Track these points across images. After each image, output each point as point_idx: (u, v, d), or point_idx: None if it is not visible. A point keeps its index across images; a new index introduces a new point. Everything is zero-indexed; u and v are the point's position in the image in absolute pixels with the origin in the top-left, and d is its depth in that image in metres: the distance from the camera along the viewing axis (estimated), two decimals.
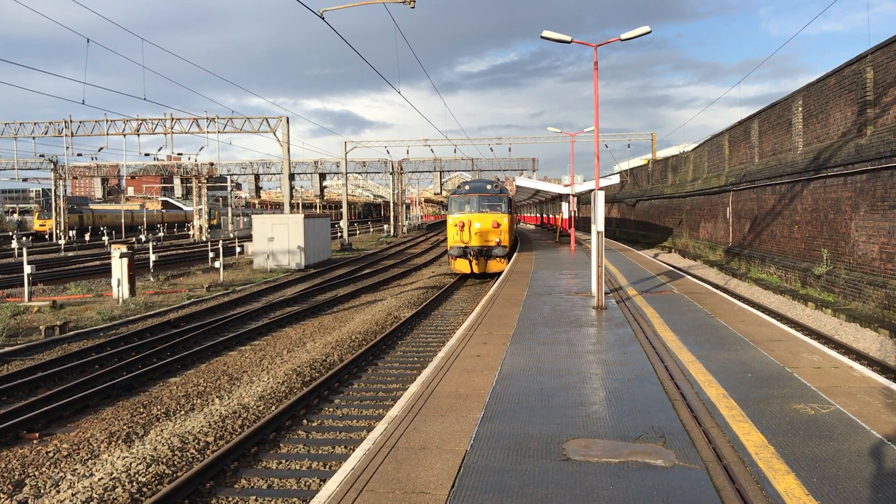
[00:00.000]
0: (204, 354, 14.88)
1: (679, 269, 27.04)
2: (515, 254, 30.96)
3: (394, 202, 78.13)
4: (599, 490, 5.33)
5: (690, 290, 17.42)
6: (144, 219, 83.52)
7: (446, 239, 29.65)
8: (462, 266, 27.22)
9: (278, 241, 34.31)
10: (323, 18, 16.85)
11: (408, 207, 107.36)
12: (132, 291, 23.43)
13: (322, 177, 78.31)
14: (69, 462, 8.78)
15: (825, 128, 20.62)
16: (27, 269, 22.30)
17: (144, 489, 7.68)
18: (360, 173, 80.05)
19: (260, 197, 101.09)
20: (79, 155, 54.32)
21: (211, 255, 32.63)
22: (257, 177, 78.61)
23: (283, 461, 8.60)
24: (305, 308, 20.93)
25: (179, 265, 37.07)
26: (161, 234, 75.24)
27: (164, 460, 8.43)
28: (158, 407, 11.12)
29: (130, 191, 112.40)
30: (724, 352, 10.13)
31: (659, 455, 6.03)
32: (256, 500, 7.52)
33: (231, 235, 63.03)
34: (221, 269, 29.51)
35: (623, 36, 17.81)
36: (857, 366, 9.24)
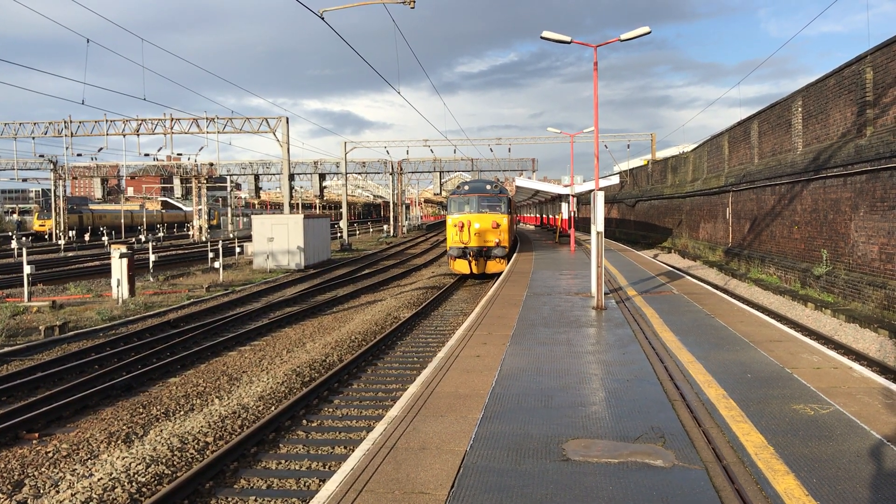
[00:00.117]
0: (203, 355, 14.87)
1: (679, 269, 27.05)
2: (515, 254, 30.96)
3: (393, 202, 78.14)
4: (599, 490, 5.33)
5: (690, 291, 17.43)
6: (144, 219, 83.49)
7: (446, 239, 29.63)
8: (461, 266, 27.18)
9: (278, 241, 34.31)
10: (323, 19, 16.86)
11: (407, 208, 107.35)
12: (132, 292, 23.43)
13: (322, 177, 78.32)
14: (69, 462, 8.78)
15: (825, 128, 20.63)
16: (27, 269, 22.29)
17: (144, 489, 7.68)
18: (359, 174, 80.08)
19: (260, 197, 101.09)
20: (78, 155, 54.32)
21: (210, 255, 32.62)
22: (257, 177, 78.63)
23: (283, 461, 8.59)
24: (305, 308, 20.93)
25: (179, 265, 37.07)
26: (161, 235, 75.23)
27: (164, 460, 8.43)
28: (158, 407, 11.12)
29: (130, 191, 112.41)
30: (724, 352, 10.13)
31: (658, 455, 6.03)
32: (256, 500, 7.52)
33: (231, 236, 63.03)
34: (221, 269, 29.50)
35: (623, 36, 17.81)
36: (856, 366, 9.24)
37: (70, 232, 65.51)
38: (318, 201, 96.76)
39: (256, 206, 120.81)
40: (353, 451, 8.11)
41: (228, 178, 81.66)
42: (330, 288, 26.92)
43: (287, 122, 41.32)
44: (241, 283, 28.32)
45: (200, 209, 67.55)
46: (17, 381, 12.22)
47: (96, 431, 9.90)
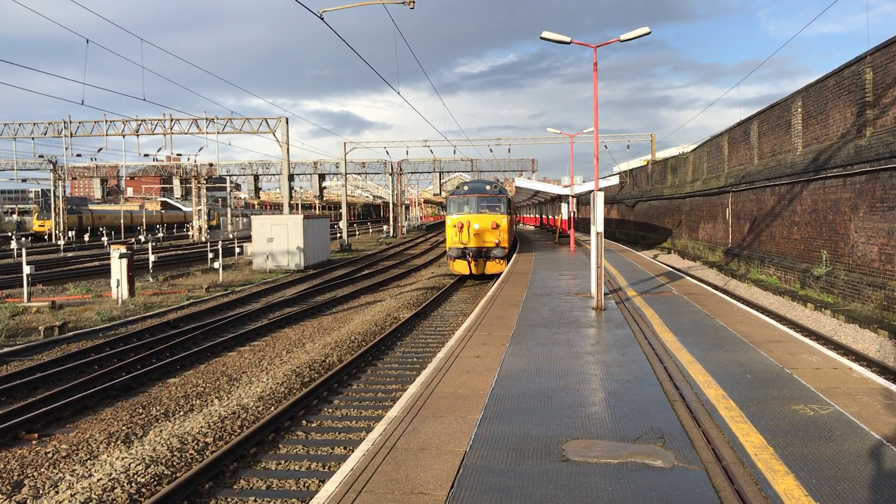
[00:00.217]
0: (203, 355, 14.87)
1: (678, 269, 27.05)
2: (515, 255, 30.95)
3: (393, 203, 78.15)
4: (598, 491, 5.33)
5: (690, 291, 17.43)
6: (144, 219, 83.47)
7: (445, 240, 29.62)
8: (461, 267, 27.13)
9: (277, 241, 34.31)
10: (322, 19, 16.86)
11: (407, 208, 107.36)
12: (131, 292, 23.42)
13: (321, 177, 78.36)
14: (68, 463, 8.78)
15: (824, 129, 20.64)
16: (26, 269, 22.29)
17: (143, 490, 7.68)
18: (359, 174, 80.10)
19: (259, 198, 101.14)
20: (78, 155, 54.30)
21: (210, 255, 32.62)
22: (256, 177, 78.67)
23: (283, 462, 8.59)
24: (305, 309, 20.93)
25: (179, 266, 37.06)
26: (160, 235, 75.23)
27: (163, 461, 8.43)
28: (157, 407, 11.12)
29: (130, 191, 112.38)
30: (724, 353, 10.13)
31: (658, 456, 6.03)
32: (255, 500, 7.52)
33: (230, 236, 63.02)
34: (221, 269, 29.50)
35: (622, 37, 17.82)
36: (856, 367, 9.24)
37: (69, 232, 65.50)
38: (317, 202, 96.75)
39: (256, 206, 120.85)
40: (352, 451, 8.11)
41: (228, 178, 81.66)
42: (330, 288, 26.92)
43: (287, 123, 41.32)
44: (240, 284, 28.32)
45: (200, 209, 67.55)
46: (17, 382, 12.21)
47: (96, 432, 9.89)
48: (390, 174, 76.51)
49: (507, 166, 72.61)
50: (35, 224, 72.63)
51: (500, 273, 24.70)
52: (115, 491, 7.52)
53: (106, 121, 43.40)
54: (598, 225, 14.84)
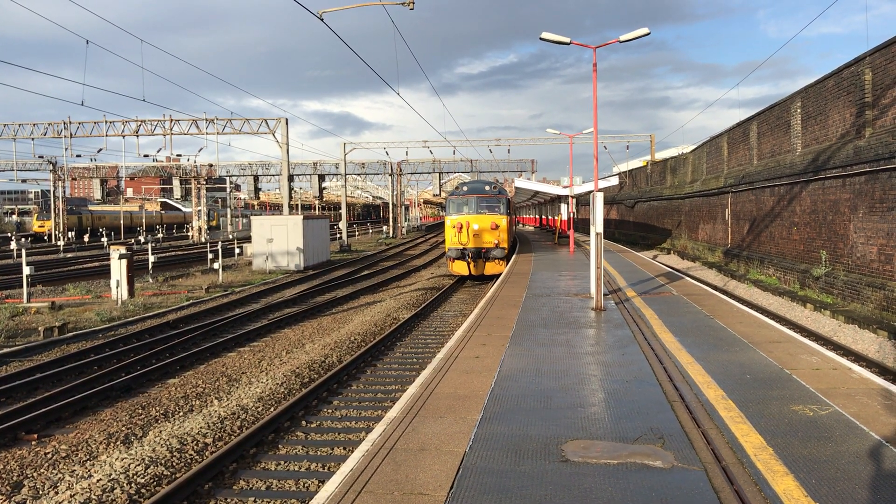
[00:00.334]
0: (203, 356, 14.87)
1: (678, 270, 27.06)
2: (514, 255, 30.94)
3: (393, 203, 78.17)
4: (598, 491, 5.33)
5: (689, 292, 17.43)
6: (143, 220, 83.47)
7: (444, 240, 29.61)
8: (460, 268, 27.08)
9: (277, 242, 34.32)
10: (322, 20, 16.87)
11: (407, 209, 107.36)
12: (131, 293, 23.43)
13: (321, 178, 78.37)
14: (68, 463, 8.78)
15: (824, 129, 20.65)
16: (26, 270, 22.28)
17: (143, 490, 7.68)
18: (359, 175, 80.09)
19: (259, 198, 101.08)
20: (78, 156, 54.39)
21: (210, 256, 32.61)
22: (256, 178, 78.67)
23: (282, 462, 8.59)
24: (304, 309, 20.93)
25: (178, 266, 37.06)
26: (160, 236, 75.22)
27: (163, 461, 8.43)
28: (157, 408, 11.12)
29: (129, 192, 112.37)
30: (723, 353, 10.13)
31: (658, 456, 6.03)
32: (255, 501, 7.52)
33: (230, 237, 63.01)
34: (220, 270, 29.50)
35: (622, 38, 17.84)
36: (855, 367, 9.24)
37: (69, 233, 65.50)
38: (317, 202, 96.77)
39: (256, 207, 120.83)
40: (352, 452, 8.11)
41: (228, 179, 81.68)
42: (329, 289, 26.92)
43: (286, 123, 41.33)
44: (240, 284, 28.32)
45: (200, 210, 67.54)
46: (16, 383, 12.22)
47: (95, 432, 9.89)
48: (390, 175, 76.52)
49: (506, 167, 72.66)
50: (35, 225, 72.63)
51: (500, 274, 24.67)
52: (115, 491, 7.52)
53: (106, 121, 43.41)
54: (597, 225, 14.84)
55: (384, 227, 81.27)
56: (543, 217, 68.43)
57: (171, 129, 43.19)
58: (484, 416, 7.32)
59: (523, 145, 70.22)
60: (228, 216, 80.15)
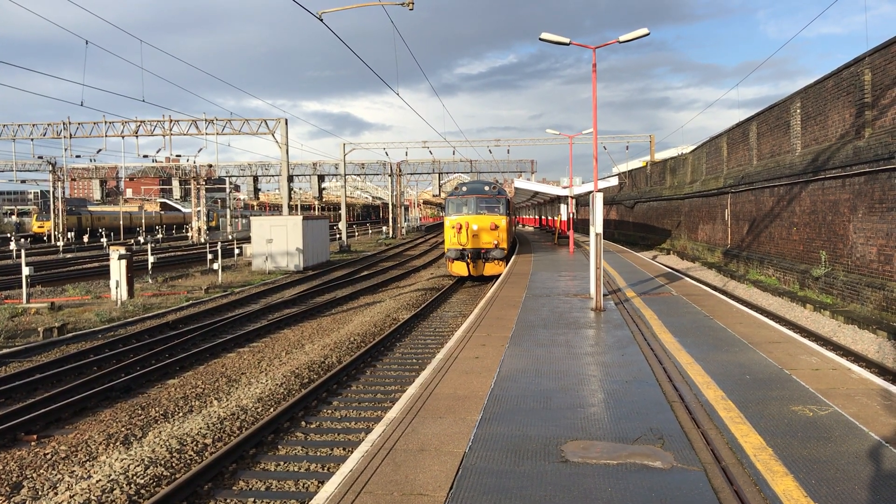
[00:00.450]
0: (202, 356, 14.86)
1: (677, 270, 27.06)
2: (514, 256, 30.93)
3: (392, 204, 78.17)
4: (598, 492, 5.33)
5: (689, 292, 17.44)
6: (143, 220, 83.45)
7: (444, 241, 29.60)
8: (459, 269, 27.03)
9: (277, 242, 34.31)
10: (322, 20, 16.87)
11: (406, 209, 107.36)
12: (130, 293, 23.42)
13: (321, 178, 78.35)
14: (67, 464, 8.77)
15: (823, 130, 20.66)
16: (25, 270, 22.28)
17: (143, 491, 7.67)
18: (358, 175, 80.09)
19: (258, 199, 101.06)
20: (77, 157, 54.40)
21: (209, 256, 32.61)
22: (256, 178, 78.63)
23: (282, 463, 8.59)
24: (304, 310, 20.93)
25: (178, 267, 37.05)
26: (159, 236, 75.23)
27: (163, 462, 8.42)
28: (157, 409, 11.11)
29: (129, 192, 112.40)
30: (723, 353, 10.13)
31: (657, 457, 6.03)
32: (255, 501, 7.52)
33: (230, 237, 63.00)
34: (220, 270, 29.49)
35: (621, 38, 17.83)
36: (855, 367, 9.25)
37: (69, 233, 65.49)
38: (316, 203, 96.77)
39: (255, 207, 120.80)
40: (351, 452, 8.10)
41: (227, 179, 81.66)
42: (329, 289, 26.91)
43: (286, 124, 41.34)
44: (239, 285, 28.31)
45: (199, 211, 67.52)
46: (16, 383, 12.21)
47: (95, 433, 9.89)
48: (389, 175, 76.53)
49: (506, 167, 72.66)
50: (34, 225, 72.61)
51: (499, 274, 24.64)
52: (115, 492, 7.51)
53: (105, 122, 43.42)
54: (597, 226, 14.84)
55: (384, 228, 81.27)
56: (543, 217, 68.45)
57: (171, 130, 43.20)
58: (483, 416, 7.32)
59: (523, 146, 70.31)
60: (228, 217, 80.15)
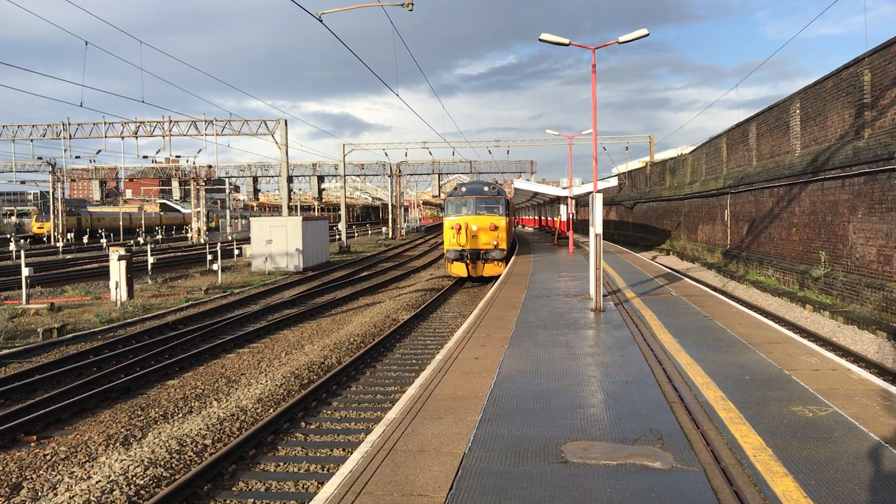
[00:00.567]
0: (202, 357, 14.86)
1: (677, 271, 27.07)
2: (514, 256, 30.92)
3: (392, 205, 78.18)
4: (597, 492, 5.33)
5: (688, 293, 17.44)
6: (143, 221, 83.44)
7: (443, 242, 29.58)
8: (459, 269, 26.98)
9: (276, 243, 34.31)
10: (321, 21, 16.88)
11: (406, 210, 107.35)
12: (130, 294, 23.41)
13: (320, 179, 78.35)
14: (67, 465, 8.77)
15: (823, 130, 20.67)
16: (25, 271, 22.27)
17: (142, 492, 7.67)
18: (358, 176, 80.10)
19: (258, 199, 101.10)
20: (77, 157, 54.38)
21: (209, 257, 32.60)
22: (255, 179, 78.63)
23: (281, 464, 8.59)
24: (304, 310, 20.92)
25: (177, 267, 37.05)
26: (159, 237, 75.21)
27: (162, 463, 8.42)
28: (156, 409, 11.11)
29: (129, 193, 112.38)
30: (722, 354, 10.13)
31: (657, 457, 6.03)
32: (254, 502, 7.52)
33: (229, 238, 62.99)
34: (220, 271, 29.48)
35: (621, 39, 17.84)
36: (855, 368, 9.25)
37: (68, 234, 65.48)
38: (316, 203, 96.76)
39: (255, 208, 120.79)
40: (351, 453, 8.10)
41: (227, 180, 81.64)
42: (328, 290, 26.91)
43: (285, 125, 41.34)
44: (239, 286, 28.31)
45: (199, 211, 67.51)
46: (16, 384, 12.20)
47: (94, 434, 9.89)
48: (389, 176, 76.53)
49: (505, 168, 72.65)
50: (34, 226, 72.60)
51: (499, 275, 24.61)
52: (114, 493, 7.51)
53: (105, 123, 43.43)
54: (596, 226, 14.84)
55: (383, 229, 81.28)
56: (543, 218, 68.46)
57: (171, 131, 43.20)
58: (483, 417, 7.32)
59: (522, 146, 70.35)
60: (227, 217, 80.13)
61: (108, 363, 14.31)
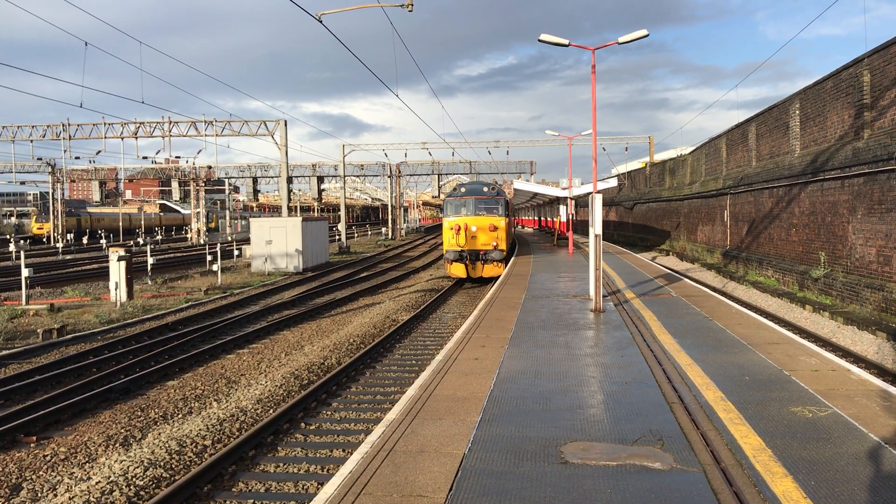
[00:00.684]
0: (201, 358, 14.86)
1: (677, 272, 27.08)
2: (513, 257, 30.91)
3: (392, 205, 78.18)
4: (597, 493, 5.33)
5: (688, 293, 17.44)
6: (142, 222, 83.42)
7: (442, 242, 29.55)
8: (458, 270, 26.94)
9: (276, 244, 34.30)
10: (321, 22, 16.88)
11: (406, 210, 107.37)
12: (130, 295, 23.41)
13: (320, 180, 78.35)
14: (66, 466, 8.76)
15: (822, 131, 20.67)
16: (25, 272, 22.27)
17: (142, 492, 7.67)
18: (358, 176, 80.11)
19: (258, 200, 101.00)
20: (76, 158, 54.39)
21: (209, 258, 32.60)
22: (255, 180, 78.62)
23: (281, 464, 8.59)
24: (303, 311, 20.92)
25: (177, 268, 37.04)
26: (159, 238, 75.20)
27: (162, 464, 8.42)
28: (156, 410, 11.11)
29: (128, 194, 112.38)
30: (722, 355, 10.13)
31: (657, 458, 6.03)
32: (254, 503, 7.51)
33: (229, 238, 62.99)
34: (219, 272, 29.48)
35: (620, 39, 17.83)
36: (854, 368, 9.25)
37: (68, 235, 65.46)
38: (316, 204, 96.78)
39: (255, 208, 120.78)
40: (351, 454, 8.10)
41: (227, 180, 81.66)
42: (328, 291, 26.91)
43: (285, 125, 41.35)
44: (239, 286, 28.30)
45: (199, 212, 67.50)
46: (15, 385, 12.20)
47: (94, 435, 9.88)
48: (389, 176, 76.54)
49: (505, 168, 72.66)
50: (34, 226, 72.58)
51: (499, 276, 24.59)
52: (114, 494, 7.51)
53: (105, 123, 43.44)
54: (596, 227, 14.85)
55: (383, 229, 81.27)
56: (542, 219, 68.47)
57: (170, 131, 43.21)
58: (483, 417, 7.32)
59: (522, 147, 70.34)
60: (227, 218, 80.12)
61: (107, 364, 14.31)
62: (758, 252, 25.89)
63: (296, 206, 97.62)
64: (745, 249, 27.35)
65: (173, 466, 8.43)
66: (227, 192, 79.91)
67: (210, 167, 68.51)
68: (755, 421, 6.98)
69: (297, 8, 14.14)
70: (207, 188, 75.55)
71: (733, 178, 29.35)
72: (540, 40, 17.83)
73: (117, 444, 9.49)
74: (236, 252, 43.74)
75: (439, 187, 77.31)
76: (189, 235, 72.31)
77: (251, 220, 37.76)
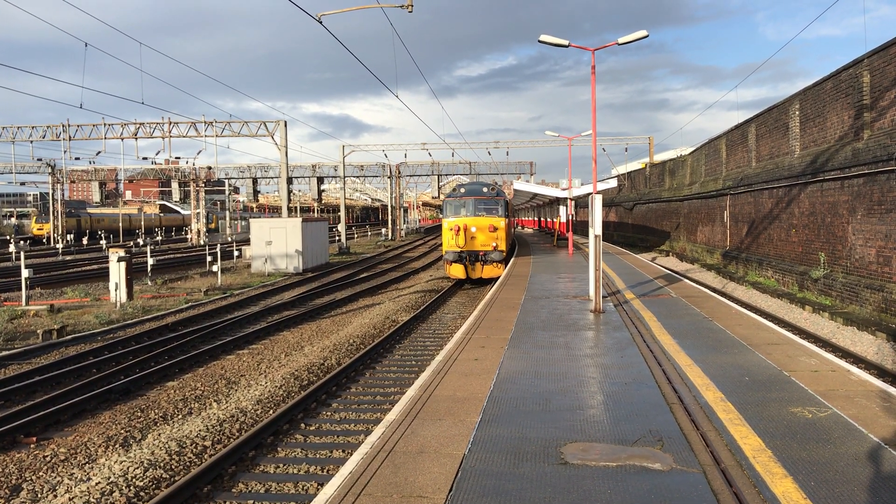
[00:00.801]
0: (201, 358, 14.86)
1: (676, 272, 27.08)
2: (513, 258, 30.90)
3: (391, 206, 78.20)
4: (597, 494, 5.33)
5: (688, 294, 17.45)
6: (142, 222, 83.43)
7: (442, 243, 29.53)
8: (457, 271, 26.88)
9: (276, 244, 34.30)
10: (321, 23, 16.89)
11: (405, 211, 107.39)
12: (130, 295, 23.41)
13: (320, 181, 78.40)
14: (66, 466, 8.76)
15: (822, 132, 20.68)
16: (25, 272, 22.27)
17: (142, 493, 7.67)
18: (357, 177, 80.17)
19: (258, 201, 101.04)
20: (76, 159, 54.37)
21: (209, 258, 32.60)
22: (255, 181, 78.68)
23: (281, 465, 8.58)
24: (303, 312, 20.92)
25: (177, 269, 37.04)
26: (159, 238, 75.19)
27: (162, 464, 8.42)
28: (156, 411, 11.11)
29: (128, 194, 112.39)
30: (722, 355, 10.14)
31: (657, 459, 6.04)
32: (254, 503, 7.52)
33: (229, 239, 62.99)
34: (219, 272, 29.47)
35: (620, 40, 17.84)
36: (854, 369, 9.25)
37: (68, 235, 65.46)
38: (316, 205, 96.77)
39: (255, 209, 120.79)
40: (351, 454, 8.10)
41: (227, 181, 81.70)
42: (328, 291, 26.91)
43: (285, 126, 41.37)
44: (239, 287, 28.30)
45: (199, 213, 67.50)
46: (15, 385, 12.20)
47: (94, 435, 9.88)
48: (388, 177, 76.56)
49: (505, 169, 72.70)
50: (33, 227, 72.59)
51: (498, 277, 24.57)
52: (114, 494, 7.51)
53: (104, 124, 43.46)
54: (596, 228, 14.85)
55: (383, 230, 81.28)
56: (542, 219, 68.50)
57: (170, 132, 43.23)
58: (483, 418, 7.32)
59: (522, 147, 70.45)
60: (227, 218, 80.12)
61: (107, 364, 14.30)
62: (757, 253, 25.89)
63: (296, 207, 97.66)
64: (745, 250, 27.36)
65: (173, 467, 8.43)
66: (226, 192, 79.94)
67: (210, 168, 68.55)
68: (755, 421, 6.98)
69: (297, 8, 14.16)
70: (207, 189, 75.59)
71: (733, 178, 29.35)
72: (540, 41, 17.84)
73: (117, 445, 9.49)
74: (236, 253, 43.73)
75: (439, 188, 77.35)
76: (189, 236, 72.30)
77: (251, 220, 37.76)
